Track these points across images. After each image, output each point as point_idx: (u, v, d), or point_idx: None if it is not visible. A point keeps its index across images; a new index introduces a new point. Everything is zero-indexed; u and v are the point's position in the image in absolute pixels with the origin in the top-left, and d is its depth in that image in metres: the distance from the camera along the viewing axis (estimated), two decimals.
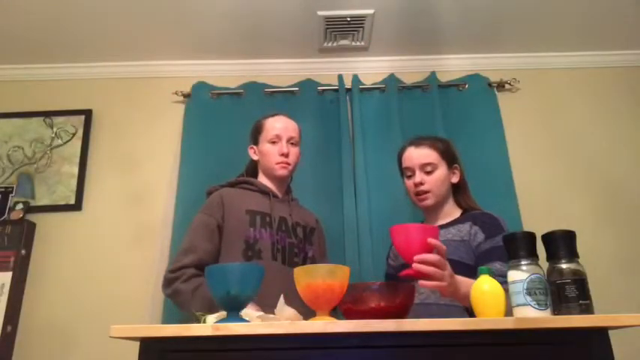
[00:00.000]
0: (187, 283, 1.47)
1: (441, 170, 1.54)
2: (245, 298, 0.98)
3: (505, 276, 1.03)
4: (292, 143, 1.69)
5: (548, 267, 1.02)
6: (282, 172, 1.66)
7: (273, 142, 1.66)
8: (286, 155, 1.66)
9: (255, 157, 1.74)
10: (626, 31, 2.43)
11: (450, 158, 1.57)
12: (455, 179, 1.58)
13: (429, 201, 1.53)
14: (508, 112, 2.44)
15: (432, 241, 1.09)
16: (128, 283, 2.18)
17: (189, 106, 2.45)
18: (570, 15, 2.31)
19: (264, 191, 1.66)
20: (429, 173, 1.52)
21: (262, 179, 1.71)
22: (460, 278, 1.18)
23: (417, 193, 1.54)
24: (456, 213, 1.56)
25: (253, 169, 1.78)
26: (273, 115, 1.74)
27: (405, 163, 1.58)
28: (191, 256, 1.51)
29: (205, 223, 1.57)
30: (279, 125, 1.68)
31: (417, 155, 1.54)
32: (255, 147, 1.74)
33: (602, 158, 2.42)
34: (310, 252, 1.67)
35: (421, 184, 1.52)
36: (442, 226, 1.52)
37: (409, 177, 1.57)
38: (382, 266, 1.77)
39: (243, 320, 0.98)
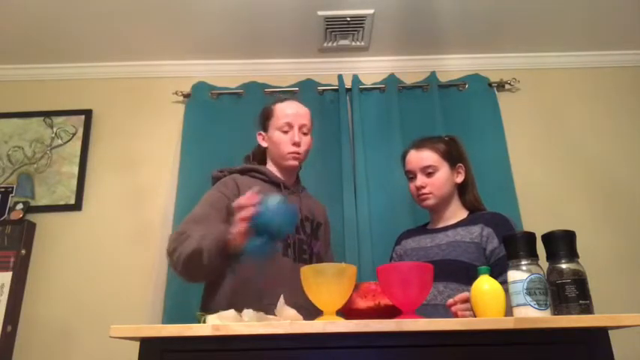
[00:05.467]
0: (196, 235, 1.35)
1: (443, 172, 1.54)
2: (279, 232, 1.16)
3: None
4: (304, 132, 1.58)
5: (548, 267, 1.02)
6: (293, 162, 1.57)
7: (285, 131, 1.56)
8: (298, 145, 1.56)
9: (264, 144, 1.64)
10: (626, 31, 2.43)
11: (453, 158, 1.57)
12: (459, 179, 1.58)
13: (430, 201, 1.54)
14: (508, 112, 2.44)
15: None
16: (128, 283, 2.18)
17: (189, 106, 2.45)
18: (570, 15, 2.30)
19: (276, 182, 1.59)
20: (430, 175, 1.54)
21: (271, 167, 1.63)
22: None
23: (419, 195, 1.56)
24: (462, 213, 1.56)
25: (261, 155, 1.69)
26: (283, 101, 1.64)
27: (407, 166, 1.60)
28: (202, 228, 1.36)
29: (222, 201, 1.46)
30: (290, 112, 1.58)
31: (418, 158, 1.56)
32: (263, 133, 1.64)
33: (602, 158, 2.42)
34: (316, 247, 1.62)
35: (422, 187, 1.54)
36: (449, 227, 1.52)
37: (411, 179, 1.59)
38: None
39: (272, 246, 1.15)
